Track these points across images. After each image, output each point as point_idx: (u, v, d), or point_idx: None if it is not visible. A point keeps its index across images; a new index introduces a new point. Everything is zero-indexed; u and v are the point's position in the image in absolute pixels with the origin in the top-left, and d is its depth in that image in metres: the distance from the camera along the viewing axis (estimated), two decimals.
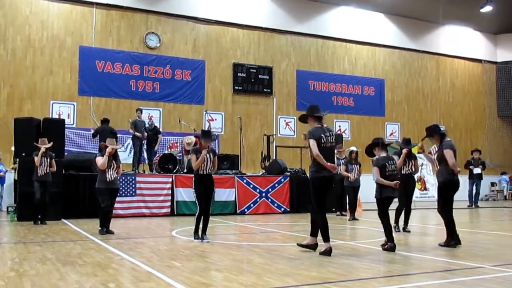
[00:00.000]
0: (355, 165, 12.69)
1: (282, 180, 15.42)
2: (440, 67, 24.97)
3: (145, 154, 15.98)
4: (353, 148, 12.99)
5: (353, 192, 12.87)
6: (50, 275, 5.44)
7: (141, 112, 16.07)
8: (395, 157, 9.52)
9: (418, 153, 8.89)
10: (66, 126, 14.31)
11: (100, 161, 9.50)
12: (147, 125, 15.86)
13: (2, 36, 16.89)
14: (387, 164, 7.46)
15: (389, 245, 7.22)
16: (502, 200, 24.04)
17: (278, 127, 20.80)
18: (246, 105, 20.27)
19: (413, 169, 9.81)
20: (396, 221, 9.88)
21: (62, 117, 16.66)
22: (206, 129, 13.99)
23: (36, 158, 11.34)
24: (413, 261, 6.57)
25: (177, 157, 15.92)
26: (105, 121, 15.40)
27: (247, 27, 20.57)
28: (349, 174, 12.57)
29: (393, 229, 7.62)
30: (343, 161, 13.01)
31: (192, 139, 15.56)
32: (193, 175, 8.57)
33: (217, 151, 12.56)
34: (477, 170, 18.42)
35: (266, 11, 20.95)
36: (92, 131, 15.82)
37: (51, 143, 11.65)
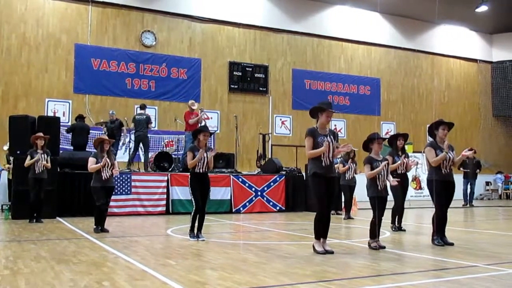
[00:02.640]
0: (352, 164, 12.68)
1: (278, 179, 15.43)
2: (435, 67, 25.03)
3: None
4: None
5: (349, 191, 12.88)
6: (44, 273, 5.42)
7: (144, 108, 15.79)
8: (389, 158, 9.51)
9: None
10: (61, 124, 14.27)
11: (92, 165, 9.47)
12: (108, 118, 15.54)
13: None
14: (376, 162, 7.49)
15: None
16: (497, 200, 24.12)
17: (274, 126, 20.80)
18: (242, 104, 20.28)
19: (406, 168, 9.81)
20: (393, 221, 9.93)
21: (57, 115, 16.62)
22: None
23: (28, 159, 11.36)
24: (407, 259, 6.59)
25: (173, 156, 15.89)
26: (80, 118, 15.33)
27: (243, 26, 20.57)
28: (346, 168, 12.53)
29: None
30: (339, 160, 12.97)
31: (195, 102, 15.76)
32: (188, 173, 8.56)
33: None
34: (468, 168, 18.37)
35: (262, 9, 20.95)
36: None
37: (48, 136, 11.71)
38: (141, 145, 15.41)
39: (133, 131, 15.45)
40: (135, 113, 15.98)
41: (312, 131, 6.94)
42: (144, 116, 15.28)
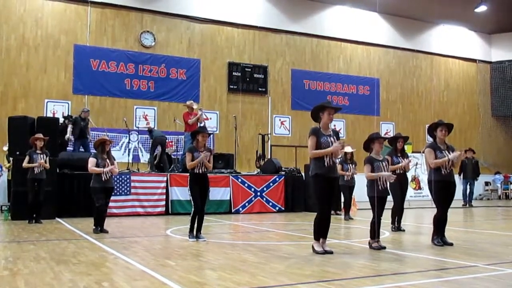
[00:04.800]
0: (351, 165, 12.62)
1: (277, 179, 15.43)
2: (434, 67, 25.04)
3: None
4: (348, 149, 12.87)
5: (348, 191, 12.82)
6: (44, 274, 5.42)
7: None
8: (388, 158, 9.50)
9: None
10: (60, 124, 14.27)
11: (92, 167, 9.46)
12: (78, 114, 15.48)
13: None
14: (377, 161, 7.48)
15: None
16: (496, 200, 24.13)
17: (273, 126, 20.80)
18: (241, 104, 20.26)
19: (405, 168, 9.81)
20: (392, 221, 9.94)
21: (56, 116, 16.60)
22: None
23: (27, 160, 11.36)
24: (407, 259, 6.58)
25: (172, 156, 15.89)
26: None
27: (242, 26, 20.56)
28: (346, 173, 12.50)
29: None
30: (338, 160, 12.81)
31: (193, 102, 15.83)
32: (188, 174, 8.56)
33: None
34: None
35: (261, 10, 20.95)
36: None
37: (48, 137, 11.72)
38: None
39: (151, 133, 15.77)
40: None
41: (315, 130, 6.92)
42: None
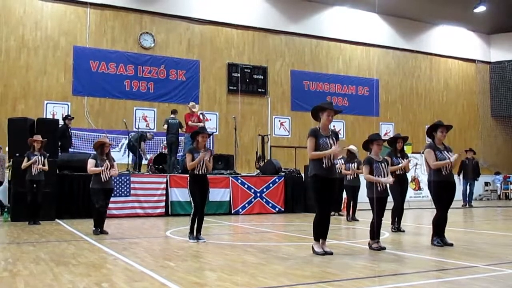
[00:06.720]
0: (352, 164, 12.44)
1: (277, 180, 15.43)
2: (434, 67, 25.04)
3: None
4: (352, 147, 12.78)
5: (351, 191, 12.60)
6: (43, 275, 5.42)
7: (176, 113, 15.88)
8: (388, 159, 9.49)
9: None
10: (60, 126, 14.27)
11: (91, 167, 9.47)
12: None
13: None
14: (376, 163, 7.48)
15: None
16: (496, 200, 24.13)
17: (273, 127, 20.81)
18: (240, 105, 20.25)
19: (405, 169, 9.79)
20: (392, 221, 9.93)
21: (56, 117, 16.59)
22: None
23: (25, 161, 11.37)
24: (407, 260, 6.59)
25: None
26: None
27: (241, 27, 20.57)
28: (349, 172, 12.37)
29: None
30: (342, 160, 12.72)
31: (195, 104, 15.84)
32: (187, 175, 8.57)
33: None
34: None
35: (260, 11, 20.95)
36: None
37: (46, 139, 11.71)
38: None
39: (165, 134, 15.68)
40: (169, 117, 15.82)
41: (314, 131, 6.93)
42: (177, 121, 15.53)
